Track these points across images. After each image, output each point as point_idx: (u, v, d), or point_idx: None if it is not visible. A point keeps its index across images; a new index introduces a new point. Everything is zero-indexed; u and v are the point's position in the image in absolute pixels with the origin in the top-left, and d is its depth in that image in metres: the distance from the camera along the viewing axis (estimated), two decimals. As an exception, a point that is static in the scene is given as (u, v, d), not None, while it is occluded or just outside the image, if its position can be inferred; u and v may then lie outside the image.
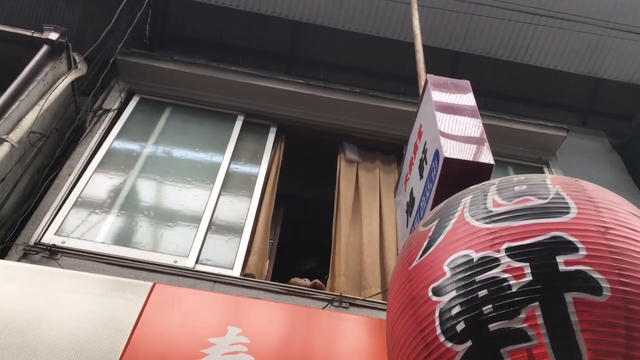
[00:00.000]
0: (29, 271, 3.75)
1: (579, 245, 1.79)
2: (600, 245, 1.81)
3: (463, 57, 6.99)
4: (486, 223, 2.00)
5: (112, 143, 5.42)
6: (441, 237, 2.10)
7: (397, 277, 2.23)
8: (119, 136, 5.53)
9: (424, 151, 3.85)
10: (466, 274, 1.85)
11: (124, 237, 4.67)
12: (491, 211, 2.06)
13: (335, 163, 5.85)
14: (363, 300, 4.39)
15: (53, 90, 4.77)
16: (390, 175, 5.79)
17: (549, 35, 6.53)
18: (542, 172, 5.95)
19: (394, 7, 6.48)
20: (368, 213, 5.26)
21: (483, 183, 2.36)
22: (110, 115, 5.59)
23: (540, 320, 1.65)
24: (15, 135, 4.41)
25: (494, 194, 2.16)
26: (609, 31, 6.31)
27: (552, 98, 7.16)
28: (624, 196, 2.25)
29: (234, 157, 5.63)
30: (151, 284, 3.70)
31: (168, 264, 4.43)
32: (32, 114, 4.59)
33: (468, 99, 3.91)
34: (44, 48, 4.98)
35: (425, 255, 2.09)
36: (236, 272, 4.53)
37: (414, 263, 2.12)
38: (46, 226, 4.48)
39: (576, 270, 1.73)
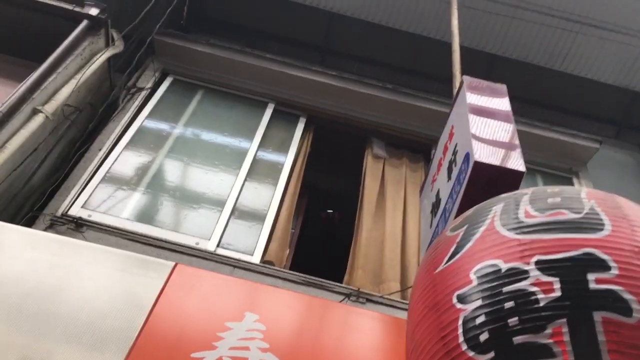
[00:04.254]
0: (55, 241, 3.81)
1: (612, 264, 1.76)
2: (634, 265, 1.77)
3: (499, 61, 6.89)
4: (517, 234, 1.98)
5: (143, 121, 5.48)
6: (469, 244, 2.08)
7: (421, 280, 2.22)
8: (151, 115, 5.58)
9: (454, 153, 3.81)
10: (493, 284, 1.83)
11: (148, 215, 4.72)
12: (523, 222, 2.03)
13: (362, 157, 5.84)
14: (381, 297, 4.38)
15: (90, 65, 4.82)
16: (417, 173, 5.76)
17: (588, 44, 6.40)
18: (572, 183, 5.87)
19: (432, 5, 6.41)
20: (392, 209, 5.24)
21: (515, 192, 2.32)
22: (144, 94, 5.64)
23: (566, 338, 1.63)
24: (50, 107, 4.48)
25: (526, 204, 2.13)
26: (650, 44, 6.20)
27: (587, 108, 7.03)
28: (653, 214, 2.21)
29: (262, 145, 5.65)
30: (173, 263, 3.74)
31: (190, 245, 4.47)
32: (68, 87, 4.64)
33: (503, 104, 3.86)
34: (84, 23, 5.03)
35: (452, 261, 2.07)
36: (256, 258, 4.55)
37: (440, 267, 2.10)
38: (74, 199, 4.55)
39: (607, 290, 1.70)
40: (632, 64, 6.51)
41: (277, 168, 5.52)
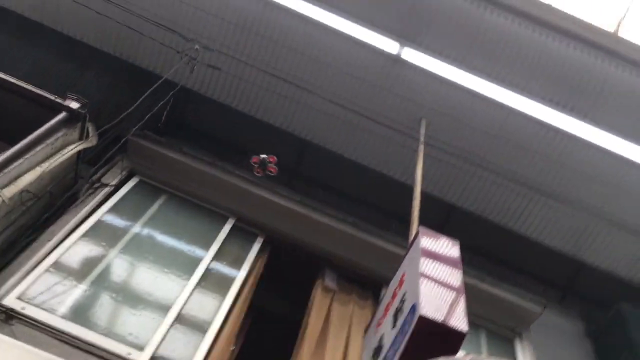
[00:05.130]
0: (-21, 333, 3.63)
1: None
2: None
3: (457, 211, 7.15)
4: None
5: (100, 217, 5.43)
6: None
7: None
8: (109, 212, 5.54)
9: (402, 301, 3.85)
10: None
11: (84, 316, 4.54)
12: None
13: (312, 286, 5.83)
14: None
15: (59, 157, 4.84)
16: (364, 311, 5.74)
17: (540, 210, 6.75)
18: (514, 344, 5.93)
19: (400, 150, 6.71)
20: (332, 349, 5.14)
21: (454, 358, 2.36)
22: (107, 190, 5.64)
23: None
24: (9, 191, 4.42)
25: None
26: (597, 220, 6.55)
27: (535, 269, 7.25)
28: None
29: (216, 257, 5.64)
30: (98, 376, 3.57)
31: (121, 354, 4.29)
32: (31, 174, 4.63)
33: (454, 259, 3.98)
34: (62, 114, 5.11)
35: None
36: (189, 379, 4.38)
37: None
38: (11, 288, 4.38)
39: None
40: (580, 235, 6.84)
41: (227, 283, 5.47)
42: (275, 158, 5.68)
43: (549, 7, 6.66)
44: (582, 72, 6.40)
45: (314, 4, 6.54)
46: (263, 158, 5.73)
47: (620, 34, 6.82)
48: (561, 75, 6.42)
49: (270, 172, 5.80)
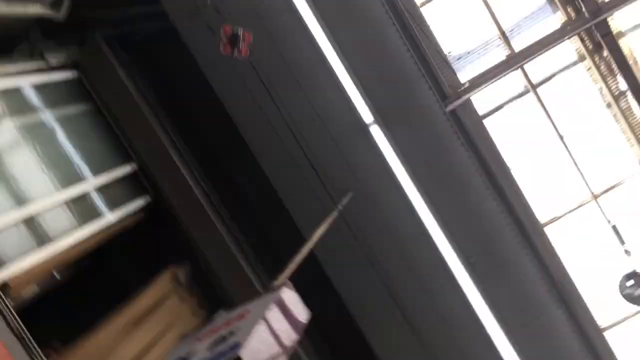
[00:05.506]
0: None
1: None
2: None
3: (331, 286, 7.18)
4: None
5: (19, 85, 5.17)
6: None
7: None
8: (32, 87, 5.28)
9: (231, 333, 3.81)
10: None
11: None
12: None
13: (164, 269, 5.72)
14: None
15: (19, 8, 4.60)
16: (193, 318, 5.68)
17: (405, 344, 6.69)
18: None
19: (316, 204, 6.63)
20: (143, 333, 5.03)
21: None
22: (42, 65, 5.38)
23: None
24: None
25: None
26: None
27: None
28: None
29: (98, 188, 5.48)
30: None
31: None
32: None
33: (299, 325, 4.02)
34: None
35: None
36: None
37: None
38: None
39: None
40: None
41: (91, 216, 5.34)
42: (251, 38, 4.47)
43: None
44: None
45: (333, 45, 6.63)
46: (237, 32, 4.50)
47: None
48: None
49: (240, 52, 4.65)
